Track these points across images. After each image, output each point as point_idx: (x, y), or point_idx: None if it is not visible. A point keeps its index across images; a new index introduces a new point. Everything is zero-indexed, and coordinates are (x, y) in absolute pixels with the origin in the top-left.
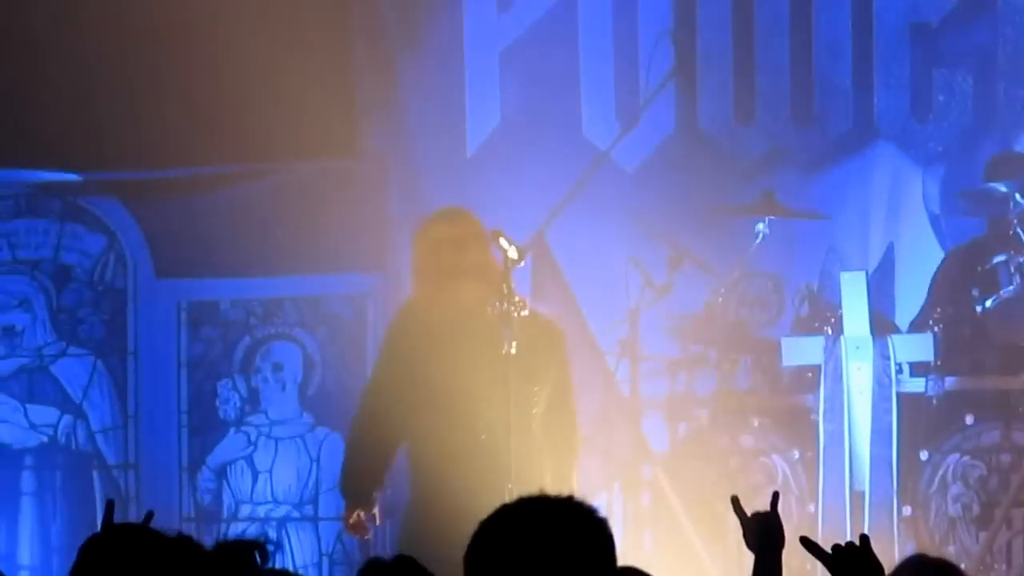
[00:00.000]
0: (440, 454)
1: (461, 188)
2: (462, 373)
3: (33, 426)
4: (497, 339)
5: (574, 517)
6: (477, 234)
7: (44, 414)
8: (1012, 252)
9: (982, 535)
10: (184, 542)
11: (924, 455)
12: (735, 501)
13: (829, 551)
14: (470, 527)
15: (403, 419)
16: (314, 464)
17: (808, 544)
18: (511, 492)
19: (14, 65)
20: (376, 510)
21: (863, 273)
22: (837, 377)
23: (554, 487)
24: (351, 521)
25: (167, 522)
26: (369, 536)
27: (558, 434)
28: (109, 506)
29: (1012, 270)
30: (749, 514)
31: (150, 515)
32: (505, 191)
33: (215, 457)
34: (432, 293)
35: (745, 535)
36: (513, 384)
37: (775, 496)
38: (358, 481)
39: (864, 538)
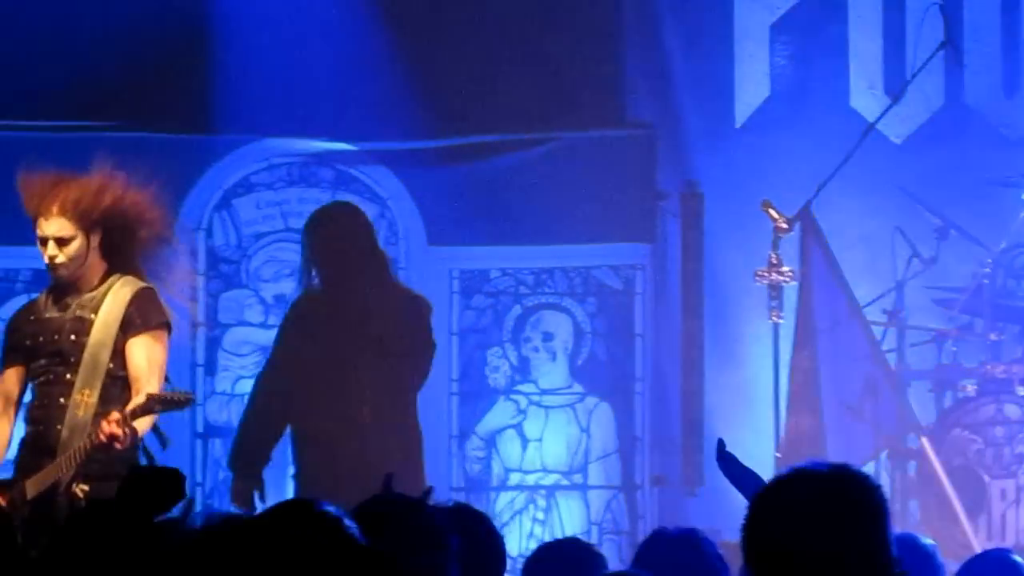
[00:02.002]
0: (321, 434)
1: (729, 159)
2: (341, 358)
3: None
4: (370, 324)
5: (847, 485)
6: (367, 226)
7: None
8: None
9: None
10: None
11: None
12: None
13: None
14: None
15: (290, 402)
16: (584, 434)
17: None
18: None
19: (277, 38)
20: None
21: None
22: None
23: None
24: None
25: (436, 491)
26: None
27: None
28: (387, 478)
29: None
30: None
31: (429, 491)
32: (773, 162)
33: (485, 425)
34: (322, 282)
35: None
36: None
37: None
38: (253, 463)
39: None
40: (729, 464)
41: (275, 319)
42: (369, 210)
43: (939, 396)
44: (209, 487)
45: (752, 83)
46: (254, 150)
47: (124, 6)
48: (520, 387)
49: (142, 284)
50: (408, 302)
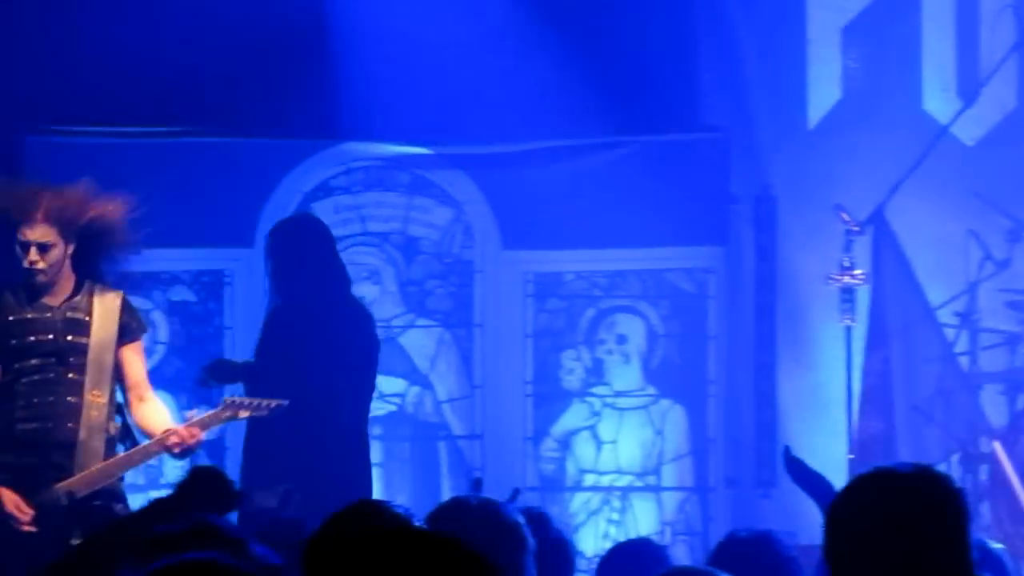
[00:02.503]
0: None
1: (802, 162)
2: (300, 369)
3: (382, 396)
4: (328, 335)
5: (930, 486)
6: (324, 239)
7: (392, 384)
8: None
9: None
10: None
11: None
12: None
13: None
14: None
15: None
16: (658, 435)
17: None
18: None
19: (359, 42)
20: None
21: None
22: None
23: None
24: None
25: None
26: None
27: None
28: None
29: None
30: None
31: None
32: (845, 165)
33: (559, 427)
34: (282, 295)
35: None
36: None
37: None
38: None
39: None
40: (797, 468)
41: None
42: (445, 214)
43: (1011, 399)
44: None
45: (824, 86)
46: (332, 155)
47: (204, 15)
48: (594, 389)
49: (121, 292)
50: (361, 313)
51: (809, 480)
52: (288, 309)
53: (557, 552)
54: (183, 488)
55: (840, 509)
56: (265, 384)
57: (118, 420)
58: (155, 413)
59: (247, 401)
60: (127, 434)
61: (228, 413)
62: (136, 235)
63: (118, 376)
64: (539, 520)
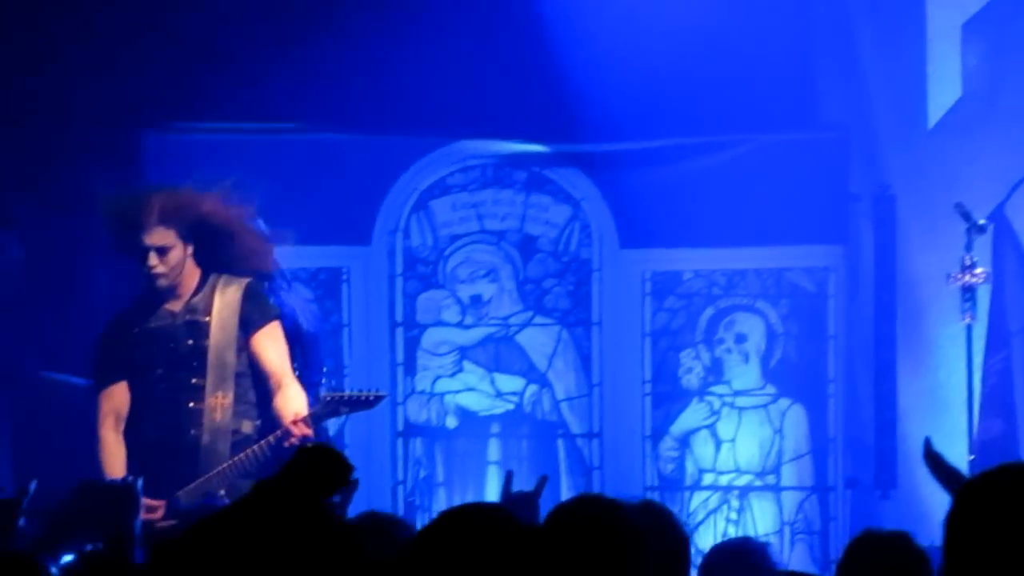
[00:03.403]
0: None
1: (921, 160)
2: None
3: (499, 394)
4: None
5: None
6: None
7: (510, 383)
8: None
9: None
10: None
11: None
12: None
13: None
14: None
15: None
16: (777, 434)
17: None
18: None
19: (477, 40)
20: None
21: None
22: None
23: None
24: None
25: (630, 491)
26: None
27: None
28: (508, 477)
29: None
30: None
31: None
32: (965, 163)
33: (678, 426)
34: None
35: None
36: None
37: None
38: None
39: None
40: (935, 463)
41: (472, 319)
42: (562, 212)
43: None
44: (411, 485)
45: (944, 84)
46: (449, 152)
47: (319, 13)
48: (713, 388)
49: (246, 280)
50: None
51: (947, 475)
52: None
53: (672, 550)
54: (292, 467)
55: (964, 505)
56: None
57: (256, 418)
58: (286, 405)
59: (346, 395)
60: (268, 431)
61: (329, 409)
62: (257, 238)
63: (254, 370)
64: (658, 516)
